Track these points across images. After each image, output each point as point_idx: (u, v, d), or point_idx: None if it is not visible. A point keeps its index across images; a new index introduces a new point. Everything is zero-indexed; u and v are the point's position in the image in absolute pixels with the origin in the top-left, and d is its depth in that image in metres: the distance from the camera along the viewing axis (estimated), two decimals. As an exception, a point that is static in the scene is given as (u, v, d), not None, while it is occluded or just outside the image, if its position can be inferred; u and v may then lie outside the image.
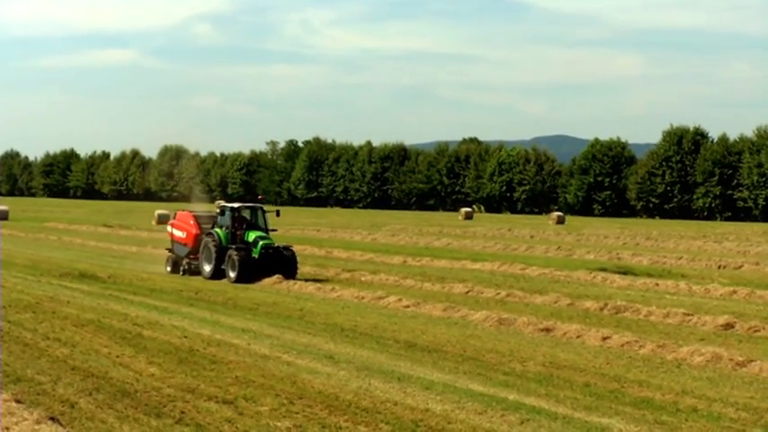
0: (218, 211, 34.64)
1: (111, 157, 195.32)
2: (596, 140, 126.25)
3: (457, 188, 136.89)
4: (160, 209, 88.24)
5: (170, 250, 35.64)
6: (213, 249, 32.19)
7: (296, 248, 49.37)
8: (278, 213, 35.96)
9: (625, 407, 14.25)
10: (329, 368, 16.86)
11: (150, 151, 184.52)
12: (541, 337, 20.92)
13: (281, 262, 31.86)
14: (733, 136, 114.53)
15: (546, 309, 25.73)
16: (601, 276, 34.55)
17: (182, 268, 34.22)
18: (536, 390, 15.36)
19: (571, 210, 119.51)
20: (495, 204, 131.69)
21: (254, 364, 17.18)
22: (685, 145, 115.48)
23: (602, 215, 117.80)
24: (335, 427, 12.68)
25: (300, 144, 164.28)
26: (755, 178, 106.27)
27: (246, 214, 33.66)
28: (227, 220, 32.98)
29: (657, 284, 32.12)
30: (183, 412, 13.33)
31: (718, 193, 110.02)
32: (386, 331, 21.47)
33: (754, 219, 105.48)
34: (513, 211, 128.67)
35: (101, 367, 16.39)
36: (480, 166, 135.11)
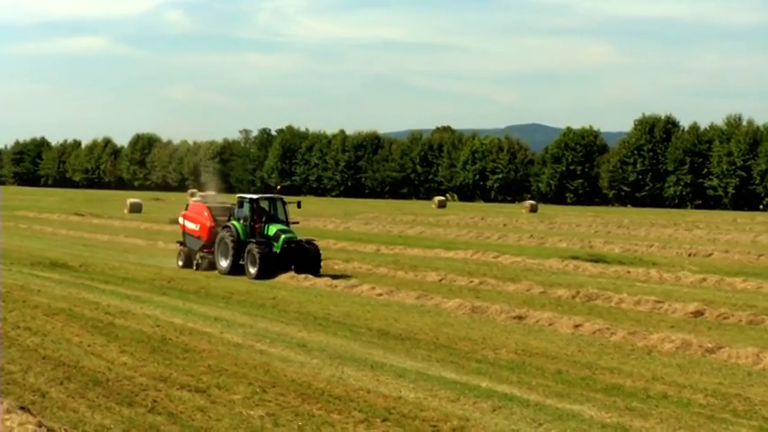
0: (231, 203, 32.86)
1: (83, 146, 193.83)
2: (569, 129, 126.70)
3: (430, 177, 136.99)
4: (132, 197, 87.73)
5: (182, 243, 33.54)
6: (230, 243, 30.15)
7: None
8: (299, 204, 33.42)
9: (596, 393, 14.36)
10: (302, 356, 16.87)
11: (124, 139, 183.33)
12: (514, 325, 21.02)
13: (304, 257, 29.80)
14: (703, 125, 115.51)
15: (518, 297, 25.84)
16: (573, 264, 34.73)
17: (195, 263, 32.24)
18: (508, 377, 15.44)
19: (544, 198, 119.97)
20: (468, 193, 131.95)
21: (226, 352, 17.16)
22: (657, 134, 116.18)
23: (574, 203, 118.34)
24: (308, 416, 12.69)
25: (273, 132, 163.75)
26: (725, 167, 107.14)
27: (265, 205, 31.62)
28: (245, 211, 30.89)
29: (629, 272, 32.34)
30: (155, 401, 13.29)
31: (688, 181, 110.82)
32: (359, 319, 21.49)
33: (724, 207, 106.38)
34: (487, 199, 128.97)
35: (72, 356, 16.31)
36: (453, 154, 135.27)
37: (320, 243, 45.20)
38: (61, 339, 17.94)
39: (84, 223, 62.01)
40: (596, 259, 36.88)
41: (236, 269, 29.93)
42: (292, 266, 29.48)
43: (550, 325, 20.76)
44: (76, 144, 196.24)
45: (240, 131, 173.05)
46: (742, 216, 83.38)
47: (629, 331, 19.50)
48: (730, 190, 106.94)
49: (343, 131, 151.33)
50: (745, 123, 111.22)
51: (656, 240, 49.10)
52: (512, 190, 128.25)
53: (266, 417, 12.57)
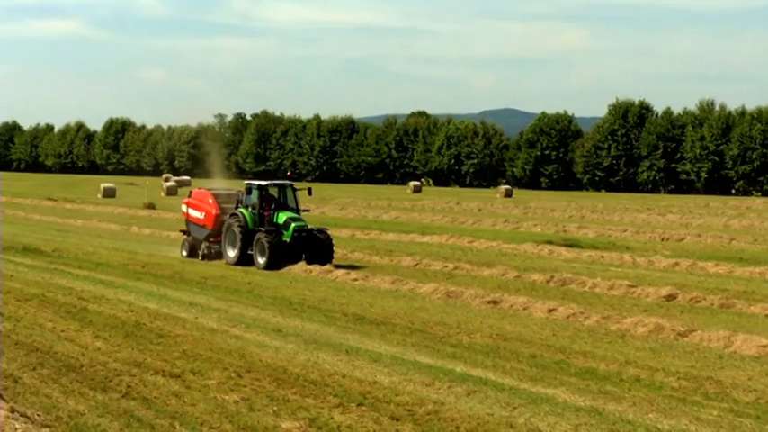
0: (236, 189, 31.94)
1: (56, 130, 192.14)
2: (543, 114, 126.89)
3: (405, 162, 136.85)
4: (106, 182, 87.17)
5: (185, 232, 32.30)
6: (238, 232, 28.81)
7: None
8: (310, 191, 31.98)
9: (570, 377, 14.46)
10: (277, 341, 16.86)
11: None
12: (488, 310, 21.11)
13: (315, 246, 28.50)
14: (677, 110, 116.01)
15: (493, 281, 25.94)
16: (547, 249, 34.89)
17: (200, 253, 30.99)
18: (483, 361, 15.51)
19: (518, 183, 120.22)
20: (443, 178, 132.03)
21: (201, 337, 17.12)
22: (630, 119, 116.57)
23: (549, 188, 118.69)
24: (283, 400, 12.70)
25: (248, 117, 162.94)
26: (698, 151, 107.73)
27: (274, 192, 30.27)
28: (254, 199, 29.51)
29: (603, 257, 32.53)
30: (129, 386, 13.25)
31: (662, 166, 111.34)
32: (334, 304, 21.51)
33: (697, 191, 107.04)
34: (462, 184, 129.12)
35: (45, 342, 16.22)
36: (429, 139, 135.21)
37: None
38: (34, 325, 17.83)
39: (57, 208, 61.58)
40: (570, 244, 37.08)
41: (245, 259, 28.72)
42: (303, 256, 28.26)
43: (525, 309, 20.86)
44: (49, 128, 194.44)
45: (215, 116, 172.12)
46: (714, 200, 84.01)
47: (603, 315, 19.63)
48: (703, 175, 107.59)
49: (318, 116, 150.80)
50: (717, 108, 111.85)
51: (630, 225, 49.42)
52: (487, 175, 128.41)
53: (241, 401, 12.57)
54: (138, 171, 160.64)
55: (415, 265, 29.37)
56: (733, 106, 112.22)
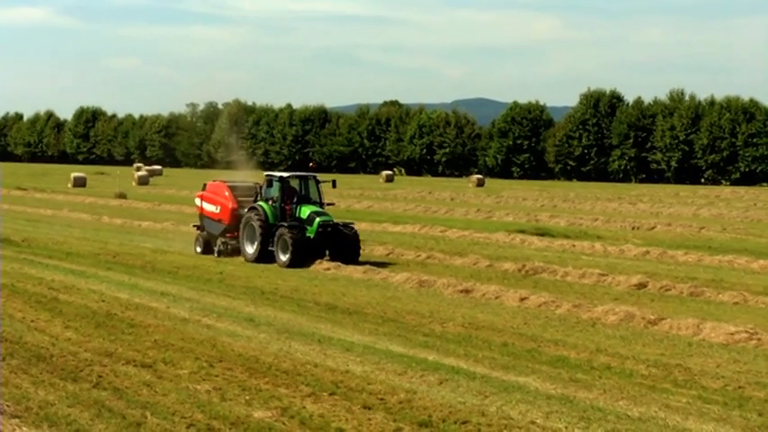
0: (254, 182, 30.30)
1: (25, 119, 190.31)
2: (515, 104, 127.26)
3: (378, 151, 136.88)
4: (76, 171, 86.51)
5: (199, 227, 30.45)
6: (258, 227, 26.92)
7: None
8: (334, 184, 30.37)
9: (541, 365, 14.54)
10: (249, 331, 16.84)
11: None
12: (461, 299, 21.18)
13: (342, 243, 26.78)
14: (647, 99, 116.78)
15: (465, 270, 26.02)
16: (519, 238, 35.03)
17: (216, 249, 29.06)
18: (455, 350, 15.56)
19: (491, 172, 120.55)
20: (415, 167, 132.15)
21: (173, 327, 17.07)
22: (602, 108, 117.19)
23: (520, 178, 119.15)
24: (256, 390, 12.69)
25: (220, 106, 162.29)
26: (668, 141, 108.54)
27: (295, 185, 28.41)
28: (275, 191, 27.70)
29: (574, 246, 32.71)
30: (100, 376, 13.19)
31: (632, 155, 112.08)
32: (306, 294, 21.49)
33: (667, 181, 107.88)
34: (434, 173, 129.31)
35: (15, 332, 16.09)
36: (401, 128, 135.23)
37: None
38: (3, 315, 17.67)
39: (26, 197, 61.04)
40: (542, 233, 37.25)
41: (264, 256, 26.87)
42: (326, 253, 26.96)
43: (497, 298, 20.95)
44: (18, 117, 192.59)
45: (187, 105, 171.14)
46: (684, 189, 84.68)
47: (574, 304, 19.75)
48: (673, 164, 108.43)
49: (290, 105, 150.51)
50: (687, 98, 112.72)
51: (601, 214, 49.71)
52: (459, 164, 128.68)
53: (213, 391, 12.54)
54: (109, 160, 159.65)
55: (388, 255, 29.39)
56: (702, 96, 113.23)
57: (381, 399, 12.36)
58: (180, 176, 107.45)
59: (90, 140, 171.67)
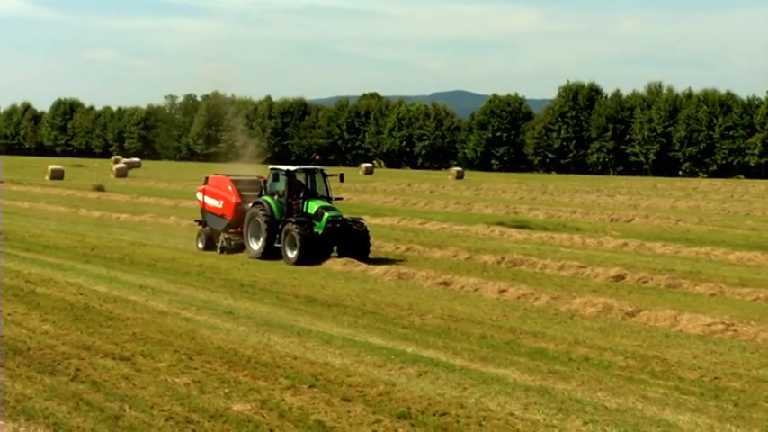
0: (257, 175, 29.60)
1: (1, 111, 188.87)
2: (494, 96, 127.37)
3: (357, 143, 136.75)
4: (54, 164, 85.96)
5: (201, 223, 29.53)
6: (263, 222, 26.04)
7: (194, 204, 48.81)
8: (342, 177, 29.10)
9: (520, 357, 14.60)
10: (228, 324, 16.81)
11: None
12: (440, 291, 21.22)
13: (351, 239, 25.88)
14: (626, 92, 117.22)
15: (445, 263, 26.06)
16: (498, 230, 35.12)
17: (219, 245, 28.14)
18: (434, 342, 15.60)
19: (470, 165, 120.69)
20: (395, 160, 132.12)
21: (151, 320, 17.01)
22: (580, 101, 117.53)
23: (500, 170, 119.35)
24: (235, 382, 12.67)
25: (199, 98, 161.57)
26: (646, 133, 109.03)
27: (302, 178, 27.43)
28: (281, 186, 26.81)
29: (553, 238, 32.83)
30: (78, 369, 13.13)
31: (611, 148, 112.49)
32: (286, 286, 21.48)
33: (645, 173, 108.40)
34: (413, 166, 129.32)
35: (-8, 326, 15.99)
36: (380, 121, 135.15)
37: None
38: (-20, 309, 17.56)
39: (3, 190, 60.59)
40: (521, 225, 37.37)
41: (270, 252, 25.99)
42: (334, 249, 26.07)
43: (476, 290, 21.00)
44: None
45: (165, 97, 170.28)
46: (662, 182, 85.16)
47: (553, 296, 19.83)
48: (651, 156, 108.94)
49: (269, 98, 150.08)
50: (665, 91, 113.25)
51: (580, 206, 49.92)
52: (438, 157, 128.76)
53: (192, 384, 12.52)
54: (87, 153, 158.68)
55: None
56: (680, 89, 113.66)
57: (361, 391, 12.38)
58: (159, 169, 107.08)
59: (68, 133, 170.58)
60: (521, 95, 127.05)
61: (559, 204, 52.15)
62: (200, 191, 29.59)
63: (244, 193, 28.20)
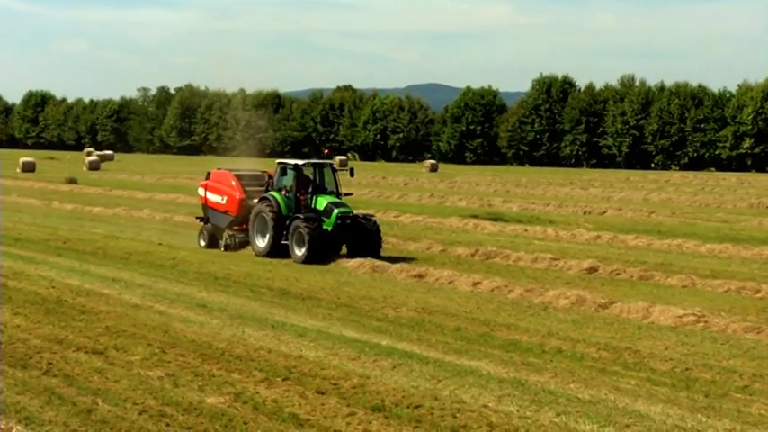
0: (261, 170, 28.76)
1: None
2: (468, 89, 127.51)
3: (331, 136, 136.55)
4: (25, 156, 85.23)
5: (203, 219, 28.43)
6: (270, 219, 25.08)
7: (168, 197, 48.74)
8: (352, 172, 28.08)
9: (494, 349, 14.66)
10: (202, 317, 16.76)
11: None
12: (414, 284, 21.25)
13: (361, 236, 24.92)
14: (599, 85, 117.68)
15: (419, 255, 26.10)
16: (472, 223, 35.21)
17: (223, 243, 27.16)
18: (408, 335, 15.63)
19: (444, 158, 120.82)
20: (369, 152, 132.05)
21: (125, 313, 16.93)
22: (554, 93, 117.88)
23: (474, 163, 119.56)
24: (208, 375, 12.64)
25: (172, 91, 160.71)
26: (619, 126, 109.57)
27: (310, 173, 26.25)
28: (288, 181, 25.77)
29: (526, 230, 32.95)
30: (50, 363, 13.05)
31: (584, 140, 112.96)
32: (260, 279, 21.44)
33: (618, 166, 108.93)
34: (388, 159, 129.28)
35: (-37, 320, 15.86)
36: (354, 114, 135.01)
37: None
38: (-49, 302, 17.42)
39: (-26, 183, 60.03)
40: (495, 218, 37.48)
41: (277, 250, 25.02)
42: (344, 246, 25.20)
43: (450, 283, 21.06)
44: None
45: (138, 90, 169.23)
46: (634, 174, 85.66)
47: (526, 288, 19.92)
48: (624, 149, 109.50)
49: (243, 90, 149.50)
50: (637, 84, 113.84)
51: (553, 199, 50.13)
52: (412, 149, 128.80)
53: (165, 377, 12.48)
54: (59, 145, 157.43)
55: (341, 240, 29.32)
56: (653, 82, 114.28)
57: (335, 384, 12.39)
58: (132, 162, 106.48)
59: (39, 125, 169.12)
60: (495, 88, 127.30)
61: (533, 197, 52.35)
62: (202, 186, 28.55)
63: (248, 189, 27.23)
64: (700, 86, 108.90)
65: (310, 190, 25.64)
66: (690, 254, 27.32)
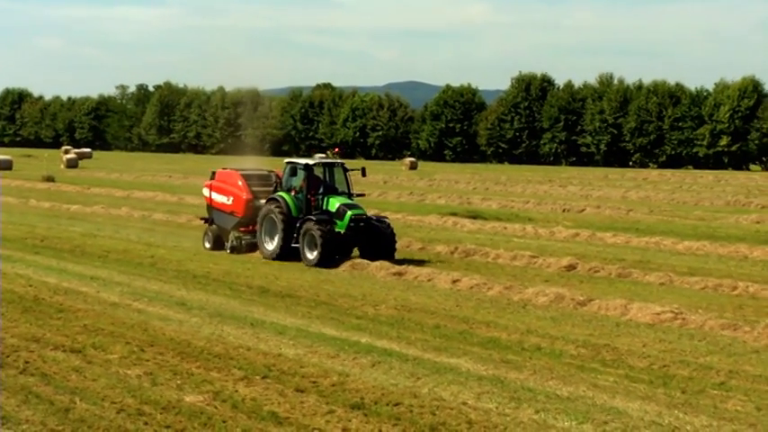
0: (267, 169, 27.84)
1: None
2: (448, 87, 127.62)
3: (311, 134, 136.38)
4: (1, 154, 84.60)
5: (207, 220, 27.55)
6: (280, 221, 24.18)
7: (146, 195, 48.56)
8: (364, 172, 26.77)
9: (473, 347, 14.69)
10: (181, 315, 16.71)
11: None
12: (393, 281, 21.26)
13: (375, 239, 24.06)
14: (577, 83, 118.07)
15: (398, 253, 26.06)
16: (452, 221, 35.26)
17: (229, 245, 26.15)
18: (388, 332, 15.64)
19: (423, 155, 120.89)
20: (348, 150, 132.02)
21: (103, 312, 16.85)
22: (533, 91, 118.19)
23: (453, 161, 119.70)
24: (187, 374, 12.60)
25: (151, 88, 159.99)
26: (597, 124, 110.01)
27: (319, 173, 25.32)
28: (298, 181, 24.82)
29: (506, 228, 33.03)
30: (27, 362, 12.98)
31: (563, 138, 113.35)
32: (239, 277, 21.39)
33: (596, 164, 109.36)
34: (367, 156, 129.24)
35: (-61, 319, 15.74)
36: (334, 111, 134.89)
37: (199, 201, 44.47)
38: (-73, 301, 17.28)
39: (-50, 181, 59.57)
40: (474, 215, 37.54)
41: (287, 253, 24.15)
42: (355, 249, 24.36)
43: (429, 281, 21.08)
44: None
45: (117, 87, 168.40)
46: (613, 172, 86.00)
47: (506, 286, 19.97)
48: (602, 147, 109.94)
49: (222, 88, 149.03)
50: (616, 82, 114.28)
51: (532, 197, 50.27)
52: (392, 147, 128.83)
53: (144, 376, 12.43)
54: (36, 143, 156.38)
55: (321, 238, 29.28)
56: (631, 80, 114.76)
57: (314, 382, 12.38)
58: (110, 159, 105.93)
59: (16, 122, 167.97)
60: (474, 86, 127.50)
61: (512, 195, 52.47)
62: (207, 186, 27.65)
63: (255, 189, 26.37)
64: (677, 85, 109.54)
65: (321, 191, 24.77)
66: (667, 251, 27.47)
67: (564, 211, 41.75)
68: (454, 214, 37.44)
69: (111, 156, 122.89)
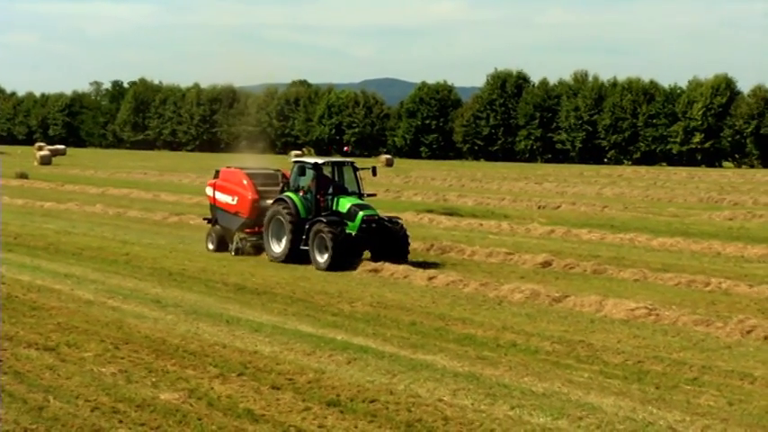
0: (273, 168, 27.16)
1: None
2: (424, 84, 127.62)
3: (287, 131, 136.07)
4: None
5: (211, 221, 26.75)
6: (288, 222, 23.29)
7: (121, 192, 48.29)
8: (374, 171, 26.20)
9: (449, 344, 14.73)
10: (156, 312, 16.65)
11: None
12: (370, 278, 21.27)
13: (387, 241, 23.26)
14: (552, 80, 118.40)
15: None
16: (428, 218, 35.31)
17: (234, 247, 25.23)
18: (364, 329, 15.65)
19: (399, 152, 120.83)
20: (324, 147, 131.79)
21: (77, 309, 16.76)
22: (508, 89, 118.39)
23: (429, 158, 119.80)
24: (162, 372, 12.56)
25: (126, 85, 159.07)
26: (572, 121, 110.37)
27: (328, 172, 24.59)
28: (306, 180, 24.05)
29: (481, 225, 33.12)
30: (0, 360, 12.87)
31: (538, 135, 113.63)
32: (215, 274, 21.33)
33: (572, 160, 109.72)
34: (343, 154, 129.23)
35: None
36: (310, 108, 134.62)
37: (174, 198, 44.47)
38: None
39: None
40: (450, 212, 37.62)
41: (295, 255, 23.27)
42: (367, 251, 23.60)
43: (405, 278, 21.10)
44: None
45: (91, 84, 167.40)
46: (588, 169, 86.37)
47: (481, 282, 20.02)
48: (577, 144, 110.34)
49: (197, 85, 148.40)
50: (591, 79, 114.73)
51: (508, 194, 50.41)
52: (368, 144, 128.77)
53: (119, 374, 12.38)
54: (9, 139, 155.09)
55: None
56: (605, 77, 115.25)
57: (290, 379, 12.37)
58: (84, 156, 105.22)
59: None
60: (450, 83, 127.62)
61: (488, 192, 52.60)
62: (210, 185, 26.82)
63: (261, 189, 25.47)
64: (651, 82, 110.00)
65: (330, 191, 24.00)
66: (642, 248, 27.64)
67: (539, 207, 41.90)
68: (430, 211, 37.49)
69: (85, 152, 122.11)
